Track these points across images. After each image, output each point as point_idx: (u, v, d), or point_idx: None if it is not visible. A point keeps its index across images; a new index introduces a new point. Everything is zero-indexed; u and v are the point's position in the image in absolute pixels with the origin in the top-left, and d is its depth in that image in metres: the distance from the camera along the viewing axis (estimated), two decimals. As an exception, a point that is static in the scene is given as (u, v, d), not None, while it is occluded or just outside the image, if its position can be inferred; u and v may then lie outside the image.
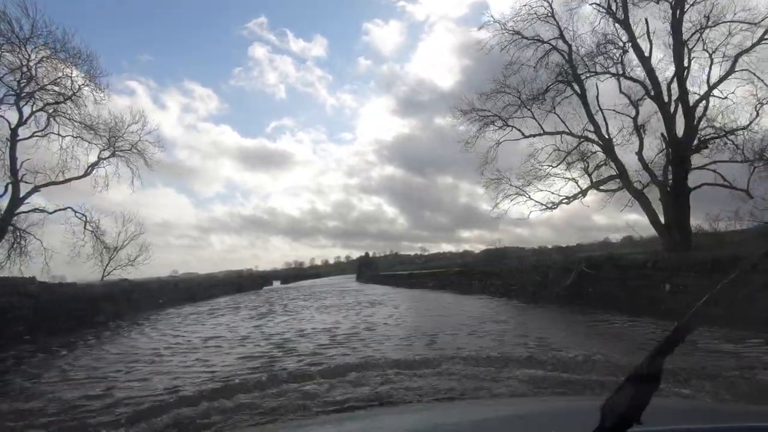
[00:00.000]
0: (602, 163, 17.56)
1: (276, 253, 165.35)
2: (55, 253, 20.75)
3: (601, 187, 17.17)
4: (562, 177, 18.59)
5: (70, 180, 20.18)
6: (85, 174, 20.66)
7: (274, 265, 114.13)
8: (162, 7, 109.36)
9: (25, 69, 17.98)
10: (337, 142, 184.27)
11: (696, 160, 15.94)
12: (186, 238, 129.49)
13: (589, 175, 17.15)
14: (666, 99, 15.51)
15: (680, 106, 15.42)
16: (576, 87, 17.46)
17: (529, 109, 17.48)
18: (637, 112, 17.19)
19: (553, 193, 18.86)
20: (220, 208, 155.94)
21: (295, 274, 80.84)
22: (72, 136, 19.73)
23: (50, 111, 19.09)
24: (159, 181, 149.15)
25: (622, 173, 16.62)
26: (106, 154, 21.34)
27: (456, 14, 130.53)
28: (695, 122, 15.44)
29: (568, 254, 19.89)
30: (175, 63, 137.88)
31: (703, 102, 15.67)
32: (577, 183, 18.36)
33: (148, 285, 24.17)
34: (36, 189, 19.59)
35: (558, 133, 17.37)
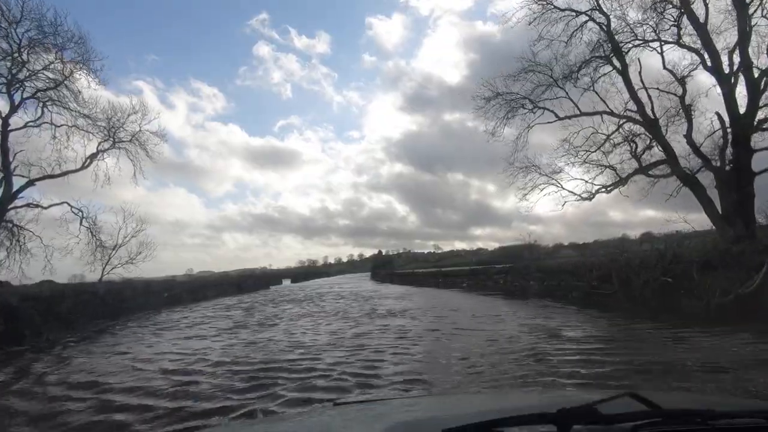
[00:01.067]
0: (646, 146, 15.67)
1: (289, 252, 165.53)
2: (56, 250, 19.70)
3: (647, 173, 15.23)
4: (597, 164, 16.76)
5: (67, 173, 18.99)
6: (83, 167, 19.46)
7: (288, 264, 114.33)
8: (163, 6, 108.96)
9: (15, 54, 16.81)
10: (345, 140, 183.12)
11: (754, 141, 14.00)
12: (199, 237, 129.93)
13: (638, 158, 15.23)
14: (726, 71, 13.56)
15: (742, 78, 13.49)
16: (616, 62, 15.60)
17: (562, 88, 15.66)
18: (684, 91, 15.28)
19: (587, 182, 17.05)
20: (231, 207, 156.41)
21: (305, 272, 79.65)
22: (67, 125, 18.51)
23: (43, 99, 17.89)
24: (170, 180, 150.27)
25: (671, 157, 14.71)
26: (106, 145, 20.15)
27: (461, 8, 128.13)
28: (758, 97, 13.50)
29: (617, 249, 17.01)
30: (180, 63, 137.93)
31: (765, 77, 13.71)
32: (615, 171, 16.50)
33: (123, 287, 20.02)
34: (31, 183, 18.45)
35: (597, 113, 15.52)
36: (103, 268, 22.72)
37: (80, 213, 19.79)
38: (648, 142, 15.58)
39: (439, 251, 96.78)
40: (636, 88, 15.34)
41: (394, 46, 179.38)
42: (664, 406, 0.92)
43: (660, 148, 14.88)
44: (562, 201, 17.28)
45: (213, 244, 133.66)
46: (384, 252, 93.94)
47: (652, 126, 15.00)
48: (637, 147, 15.19)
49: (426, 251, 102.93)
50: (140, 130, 20.72)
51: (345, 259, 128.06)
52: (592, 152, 15.87)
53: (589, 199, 16.70)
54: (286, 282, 57.72)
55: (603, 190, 16.15)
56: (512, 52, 16.34)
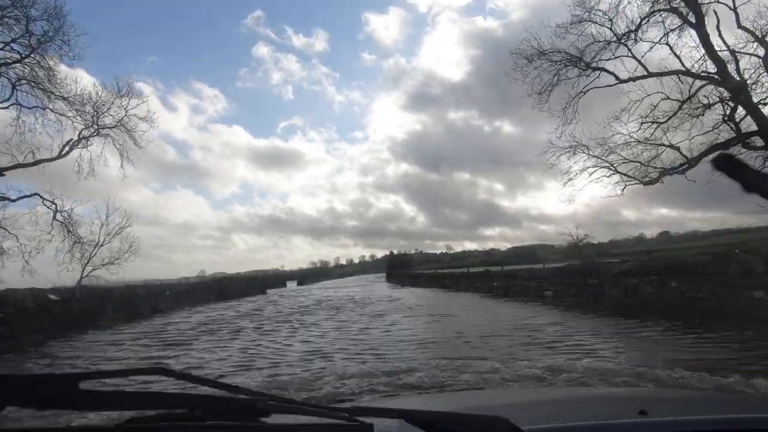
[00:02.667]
0: (726, 115, 12.64)
1: (300, 253, 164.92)
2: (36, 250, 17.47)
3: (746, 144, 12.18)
4: (653, 144, 13.76)
5: (41, 162, 16.71)
6: (60, 155, 17.19)
7: (300, 265, 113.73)
8: (160, 6, 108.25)
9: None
10: (349, 140, 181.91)
11: None
12: (210, 238, 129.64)
13: (735, 125, 12.18)
14: None
15: None
16: (688, 15, 12.64)
17: (624, 45, 12.73)
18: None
19: (643, 164, 14.07)
20: (239, 209, 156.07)
21: (314, 273, 78.26)
22: (40, 107, 16.24)
23: (13, 80, 15.66)
24: (177, 183, 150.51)
25: (765, 126, 11.69)
26: (88, 132, 17.90)
27: (459, 3, 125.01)
28: None
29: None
30: (180, 64, 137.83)
31: None
32: (679, 151, 13.51)
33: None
34: (0, 172, 16.25)
35: (671, 73, 12.54)
36: (82, 269, 20.51)
37: (54, 206, 17.44)
38: (729, 110, 12.57)
39: (452, 251, 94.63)
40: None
41: (394, 42, 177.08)
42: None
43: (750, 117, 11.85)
44: (614, 185, 14.42)
45: (223, 246, 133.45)
46: (396, 252, 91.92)
47: (738, 90, 11.99)
48: (731, 111, 12.12)
49: (438, 252, 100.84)
50: (126, 115, 18.47)
51: (357, 261, 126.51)
52: (662, 122, 12.87)
53: (652, 182, 13.75)
54: (291, 285, 54.56)
55: (673, 172, 13.17)
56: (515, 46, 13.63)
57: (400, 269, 52.69)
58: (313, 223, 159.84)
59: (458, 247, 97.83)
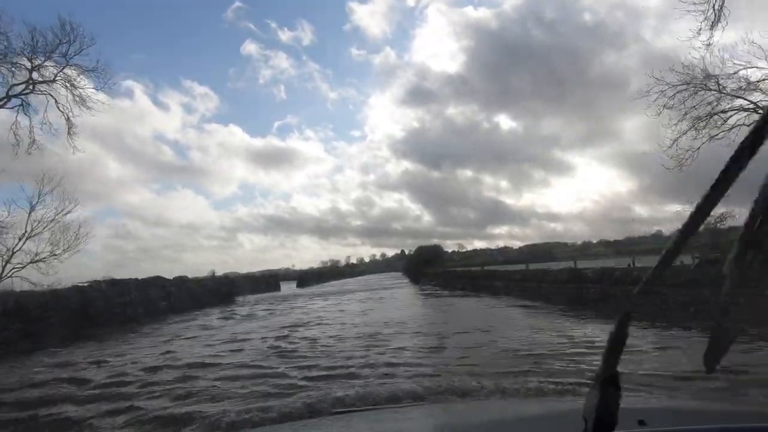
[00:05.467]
0: None
1: (309, 253, 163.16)
2: None
3: None
4: None
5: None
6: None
7: (310, 264, 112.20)
8: (144, 6, 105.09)
9: None
10: (347, 138, 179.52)
11: None
12: (216, 239, 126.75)
13: None
14: None
15: None
16: None
17: None
18: None
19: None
20: (242, 209, 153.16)
21: (318, 273, 76.67)
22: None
23: None
24: (178, 183, 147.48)
25: None
26: (19, 89, 13.94)
27: None
28: None
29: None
30: (169, 62, 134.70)
31: None
32: None
33: None
34: None
35: None
36: (2, 268, 16.21)
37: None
38: None
39: (463, 250, 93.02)
40: None
41: (383, 33, 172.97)
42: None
43: None
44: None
45: (230, 246, 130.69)
46: (407, 252, 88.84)
47: None
48: None
49: (450, 250, 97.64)
50: (68, 64, 15.23)
51: (368, 260, 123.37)
52: None
53: None
54: (289, 287, 46.36)
55: None
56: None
57: (427, 266, 42.46)
58: (318, 223, 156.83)
59: (468, 246, 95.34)
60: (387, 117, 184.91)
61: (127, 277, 18.92)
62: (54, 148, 19.69)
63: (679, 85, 13.38)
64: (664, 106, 13.75)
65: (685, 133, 13.62)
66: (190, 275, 30.51)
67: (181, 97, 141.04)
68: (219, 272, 52.02)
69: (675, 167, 14.07)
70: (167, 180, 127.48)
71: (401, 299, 23.89)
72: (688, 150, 13.86)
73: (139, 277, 20.69)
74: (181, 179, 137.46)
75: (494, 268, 27.15)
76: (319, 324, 14.20)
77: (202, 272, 48.96)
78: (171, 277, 24.54)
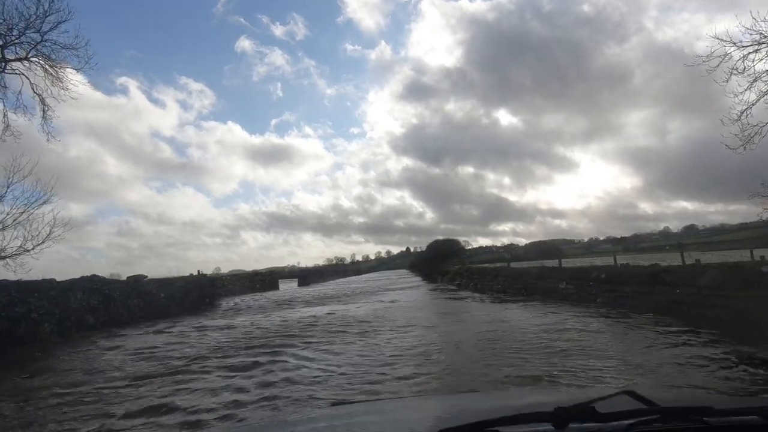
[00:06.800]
0: None
1: (314, 250, 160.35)
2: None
3: None
4: None
5: None
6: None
7: (316, 262, 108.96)
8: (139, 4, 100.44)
9: None
10: (346, 136, 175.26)
11: None
12: (219, 236, 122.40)
13: None
14: None
15: None
16: None
17: None
18: None
19: None
20: (243, 206, 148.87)
21: (321, 271, 73.28)
22: None
23: None
24: (178, 180, 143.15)
25: None
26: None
27: None
28: None
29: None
30: (163, 59, 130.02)
31: None
32: None
33: None
34: None
35: None
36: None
37: None
38: None
39: (469, 247, 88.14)
40: None
41: (377, 26, 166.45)
42: (660, 403, 0.93)
43: None
44: None
45: (234, 243, 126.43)
46: (412, 249, 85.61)
47: None
48: None
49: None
50: (43, 40, 13.36)
51: (373, 257, 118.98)
52: None
53: None
54: (289, 286, 40.97)
55: None
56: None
57: (443, 262, 38.04)
58: (320, 220, 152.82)
59: (473, 243, 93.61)
60: (385, 113, 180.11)
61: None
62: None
63: (749, 45, 10.83)
64: (731, 70, 10.98)
65: (753, 105, 10.95)
66: (195, 273, 27.93)
67: (177, 93, 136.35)
68: (225, 270, 50.98)
69: (739, 146, 11.29)
70: (167, 178, 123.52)
71: (439, 307, 17.71)
72: (755, 126, 11.11)
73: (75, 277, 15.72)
74: (180, 177, 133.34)
75: (541, 263, 21.34)
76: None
77: (207, 270, 46.11)
78: (176, 276, 22.55)
